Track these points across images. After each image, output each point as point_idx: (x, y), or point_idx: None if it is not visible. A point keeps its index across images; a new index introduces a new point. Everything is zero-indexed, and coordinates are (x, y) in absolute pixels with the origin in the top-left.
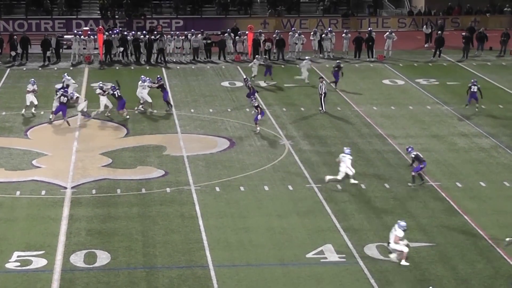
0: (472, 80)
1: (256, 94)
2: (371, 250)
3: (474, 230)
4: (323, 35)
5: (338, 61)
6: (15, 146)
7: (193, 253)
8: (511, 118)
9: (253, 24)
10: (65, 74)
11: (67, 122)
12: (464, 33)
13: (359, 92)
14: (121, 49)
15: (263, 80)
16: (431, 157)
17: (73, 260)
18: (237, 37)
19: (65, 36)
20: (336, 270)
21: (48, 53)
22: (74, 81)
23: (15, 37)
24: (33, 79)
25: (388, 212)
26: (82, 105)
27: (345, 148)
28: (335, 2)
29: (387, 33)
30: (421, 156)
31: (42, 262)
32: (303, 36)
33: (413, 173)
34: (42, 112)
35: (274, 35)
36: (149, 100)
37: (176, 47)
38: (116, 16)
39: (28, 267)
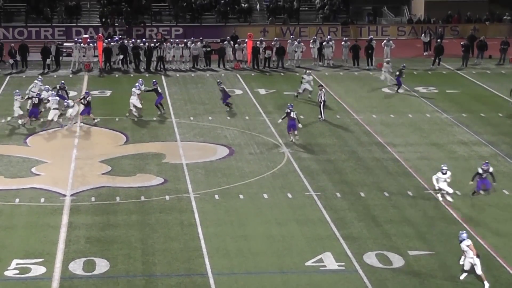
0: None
1: (229, 98)
2: (371, 258)
3: (473, 238)
4: (324, 43)
5: (403, 65)
6: (14, 153)
7: (192, 261)
8: (511, 126)
9: (253, 32)
10: (39, 77)
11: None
12: (463, 42)
13: (359, 100)
14: (121, 56)
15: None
16: (430, 165)
17: (72, 268)
18: (236, 45)
19: (64, 44)
20: (335, 278)
21: (48, 61)
22: (42, 85)
23: (12, 45)
24: (18, 90)
25: (388, 220)
26: (72, 110)
27: (442, 166)
28: (335, 10)
29: (385, 41)
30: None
31: (41, 270)
32: (302, 44)
33: (480, 191)
34: (41, 120)
35: (273, 43)
36: (139, 105)
37: (177, 55)
38: (116, 24)
39: (27, 275)
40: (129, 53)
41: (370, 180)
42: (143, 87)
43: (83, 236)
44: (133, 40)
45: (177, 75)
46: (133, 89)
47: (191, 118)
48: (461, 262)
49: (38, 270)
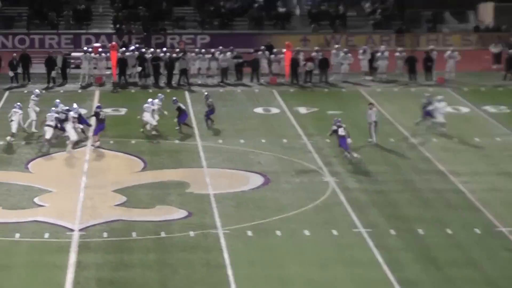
0: None
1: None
2: None
3: None
4: (378, 54)
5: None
6: (14, 181)
7: None
8: None
9: (292, 41)
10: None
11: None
12: None
13: (416, 121)
14: (138, 69)
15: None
16: (500, 198)
17: None
18: (272, 56)
19: (72, 54)
20: None
21: (53, 73)
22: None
23: (14, 55)
24: (19, 104)
25: (450, 262)
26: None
27: None
28: (388, 15)
29: (449, 52)
30: None
31: None
32: (350, 55)
33: None
34: (45, 143)
35: (314, 54)
36: (154, 122)
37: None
38: (132, 31)
39: None
40: (147, 65)
41: (429, 214)
42: (157, 104)
43: (94, 278)
44: (152, 49)
45: (203, 90)
46: (145, 105)
47: (220, 140)
48: None
49: None
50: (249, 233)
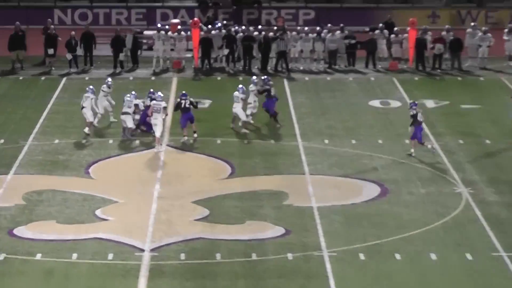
0: None
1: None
2: None
3: None
4: None
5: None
6: (72, 188)
7: None
8: None
9: (417, 17)
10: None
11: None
12: None
13: None
14: (226, 51)
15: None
16: None
17: None
18: (392, 36)
19: (145, 33)
20: None
21: (121, 56)
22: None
23: (73, 33)
24: (91, 87)
25: None
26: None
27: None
28: None
29: None
30: None
31: None
32: (490, 35)
33: None
34: (110, 141)
35: (444, 33)
36: (243, 117)
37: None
38: (219, 4)
39: None
40: (237, 46)
41: None
42: (255, 88)
43: None
44: (243, 27)
45: (306, 78)
46: (236, 93)
47: (326, 141)
48: None
49: None
50: (362, 256)
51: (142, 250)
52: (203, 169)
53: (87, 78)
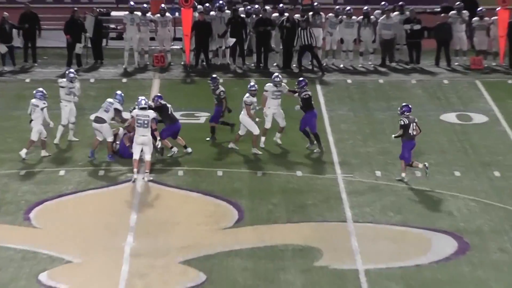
0: None
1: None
2: None
3: None
4: None
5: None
6: (4, 242)
7: None
8: None
9: None
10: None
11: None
12: None
13: None
14: (231, 41)
15: None
16: None
17: None
18: (475, 20)
19: (112, 14)
20: None
21: (78, 47)
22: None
23: (5, 14)
24: (41, 90)
25: None
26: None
27: None
28: None
29: None
30: None
31: None
32: None
33: None
34: (62, 172)
35: None
36: (256, 131)
37: None
38: None
39: None
40: (247, 33)
41: None
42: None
43: None
44: (256, 7)
45: (348, 80)
46: (245, 98)
47: (377, 172)
48: None
49: None
50: None
51: None
52: (198, 214)
53: (28, 80)
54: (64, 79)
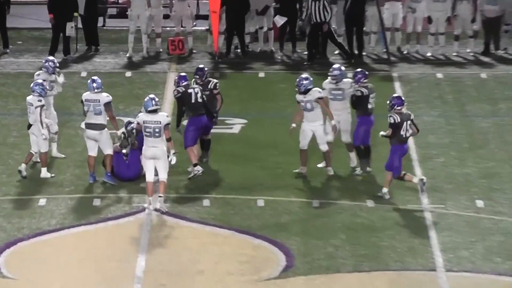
0: None
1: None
2: None
3: None
4: None
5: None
6: None
7: None
8: None
9: None
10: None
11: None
12: None
13: None
14: (282, 20)
15: None
16: None
17: None
18: None
19: None
20: None
21: (70, 28)
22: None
23: None
24: (40, 83)
25: None
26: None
27: None
28: None
29: None
30: None
31: None
32: None
33: None
34: (43, 201)
35: None
36: (322, 140)
37: None
38: None
39: None
40: (300, 11)
41: None
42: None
43: None
44: None
45: (438, 75)
46: (298, 96)
47: (479, 203)
48: None
49: None
50: None
51: None
52: (229, 259)
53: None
54: (41, 71)
